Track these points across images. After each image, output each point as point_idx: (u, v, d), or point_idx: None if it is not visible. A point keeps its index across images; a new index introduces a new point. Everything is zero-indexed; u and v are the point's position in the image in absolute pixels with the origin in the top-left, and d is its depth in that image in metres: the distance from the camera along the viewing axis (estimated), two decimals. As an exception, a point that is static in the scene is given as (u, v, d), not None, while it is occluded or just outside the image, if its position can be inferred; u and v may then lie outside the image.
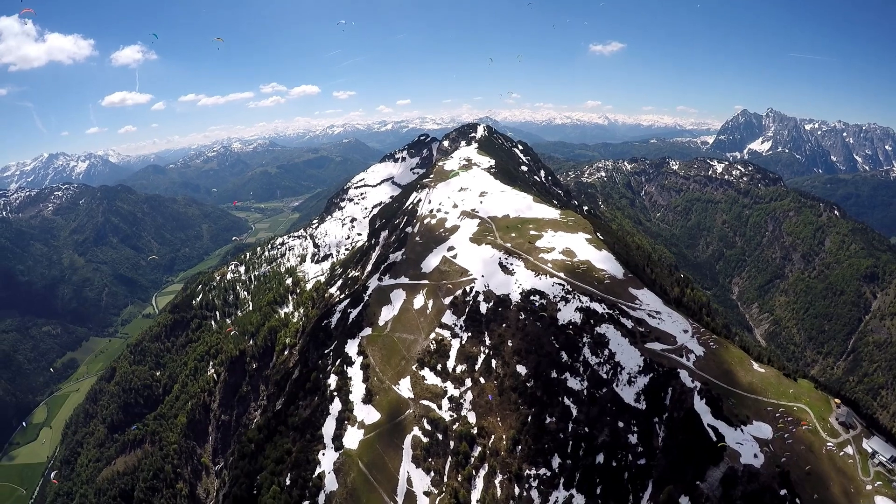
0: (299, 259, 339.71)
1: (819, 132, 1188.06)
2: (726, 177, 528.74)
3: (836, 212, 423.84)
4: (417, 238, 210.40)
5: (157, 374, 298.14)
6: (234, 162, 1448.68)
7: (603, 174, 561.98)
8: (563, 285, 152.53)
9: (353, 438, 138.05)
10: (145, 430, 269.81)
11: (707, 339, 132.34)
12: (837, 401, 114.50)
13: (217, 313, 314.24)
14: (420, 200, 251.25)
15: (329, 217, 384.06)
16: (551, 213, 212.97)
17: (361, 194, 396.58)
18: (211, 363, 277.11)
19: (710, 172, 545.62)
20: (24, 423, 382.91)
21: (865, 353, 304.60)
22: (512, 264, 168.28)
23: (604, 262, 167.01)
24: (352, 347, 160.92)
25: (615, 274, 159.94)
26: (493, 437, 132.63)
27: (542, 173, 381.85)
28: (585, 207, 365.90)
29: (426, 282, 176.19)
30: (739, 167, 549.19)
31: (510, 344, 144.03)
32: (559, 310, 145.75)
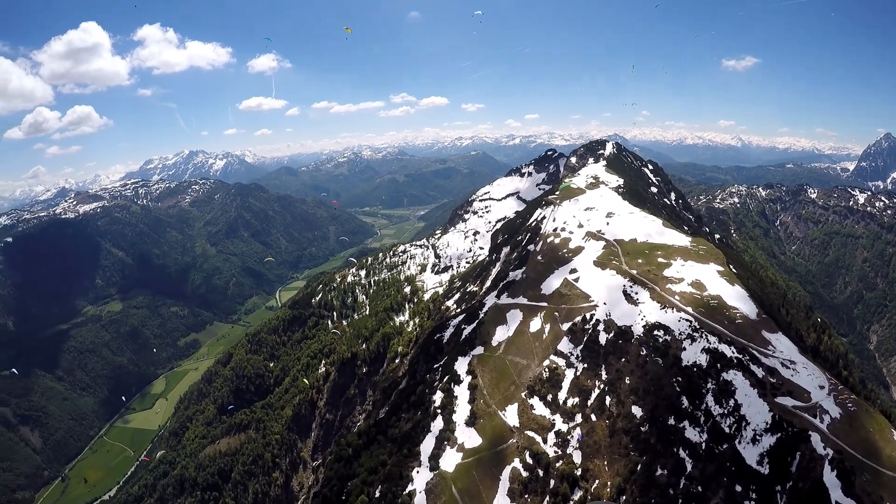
0: (419, 268, 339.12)
1: None
2: (869, 209, 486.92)
3: None
4: (539, 257, 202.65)
5: (271, 365, 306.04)
6: (364, 168, 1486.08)
7: (736, 200, 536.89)
8: (690, 322, 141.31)
9: (450, 461, 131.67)
10: (251, 416, 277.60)
11: (845, 400, 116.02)
12: None
13: (334, 314, 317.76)
14: (544, 218, 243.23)
15: (452, 228, 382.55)
16: (681, 239, 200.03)
17: (486, 207, 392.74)
18: (323, 361, 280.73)
19: (850, 203, 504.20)
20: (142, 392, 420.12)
21: None
22: (637, 293, 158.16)
23: (736, 298, 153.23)
24: (461, 365, 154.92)
25: (748, 313, 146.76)
26: (597, 481, 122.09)
27: (673, 196, 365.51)
28: (717, 235, 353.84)
29: (545, 304, 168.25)
30: (884, 199, 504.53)
31: (627, 381, 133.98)
32: (684, 349, 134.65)
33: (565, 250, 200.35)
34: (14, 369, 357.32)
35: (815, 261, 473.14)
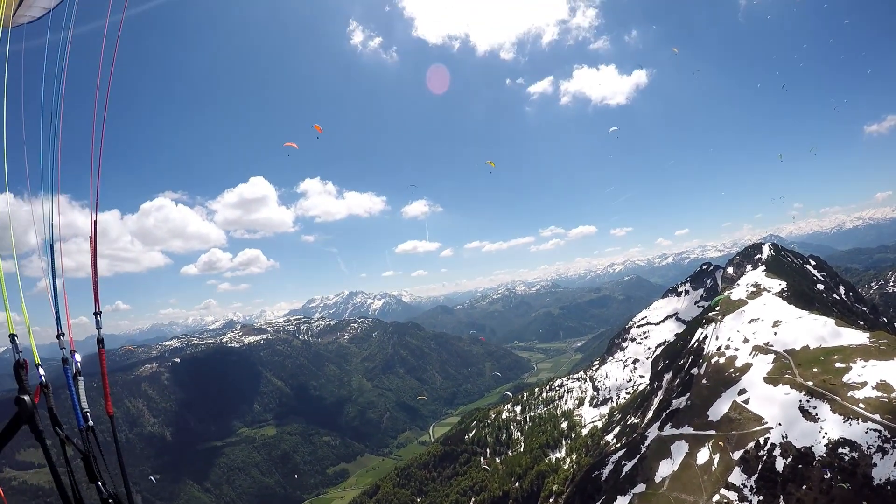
0: (577, 402, 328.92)
1: None
2: None
3: None
4: (704, 380, 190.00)
5: (418, 500, 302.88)
6: (518, 304, 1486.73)
7: None
8: (880, 431, 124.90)
9: None
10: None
11: None
12: None
13: (487, 450, 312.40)
14: (706, 337, 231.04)
15: (610, 358, 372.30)
16: (859, 337, 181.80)
17: (644, 333, 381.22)
18: (472, 499, 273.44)
19: None
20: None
21: None
22: (815, 408, 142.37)
23: None
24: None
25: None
26: None
27: (842, 289, 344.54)
28: None
29: (712, 432, 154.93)
30: None
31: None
32: (874, 464, 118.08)
33: (732, 369, 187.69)
34: (158, 475, 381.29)
35: None
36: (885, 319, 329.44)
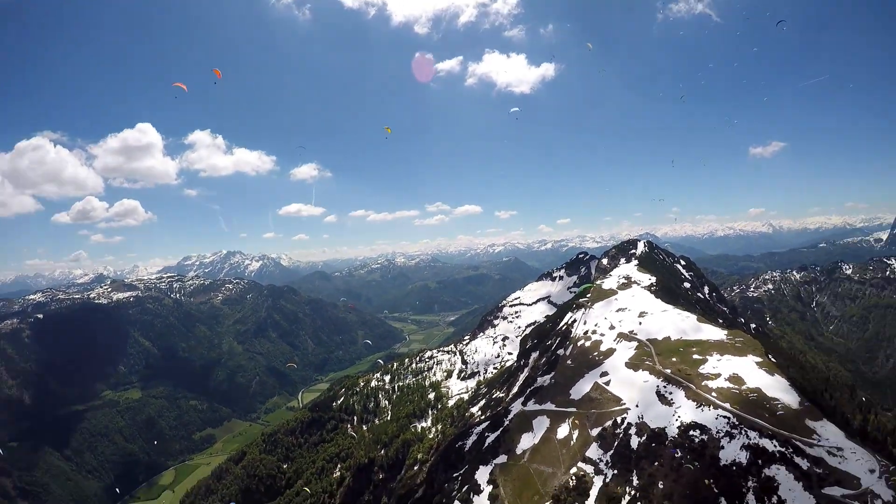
0: (445, 374, 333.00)
1: None
2: None
3: None
4: (569, 361, 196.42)
5: (284, 466, 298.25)
6: (397, 275, 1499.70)
7: (770, 287, 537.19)
8: (729, 418, 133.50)
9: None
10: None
11: None
12: None
13: (355, 418, 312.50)
14: (575, 321, 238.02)
15: (481, 334, 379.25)
16: (717, 333, 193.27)
17: (516, 313, 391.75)
18: (339, 466, 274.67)
19: (887, 273, 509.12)
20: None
21: None
22: (671, 393, 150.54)
23: (777, 389, 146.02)
24: (482, 474, 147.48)
25: (790, 403, 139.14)
26: None
27: (706, 290, 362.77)
28: (753, 325, 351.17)
29: (573, 409, 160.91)
30: None
31: (661, 486, 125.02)
32: (722, 447, 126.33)
33: (596, 353, 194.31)
34: (15, 443, 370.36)
35: (855, 337, 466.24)
36: (742, 320, 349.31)
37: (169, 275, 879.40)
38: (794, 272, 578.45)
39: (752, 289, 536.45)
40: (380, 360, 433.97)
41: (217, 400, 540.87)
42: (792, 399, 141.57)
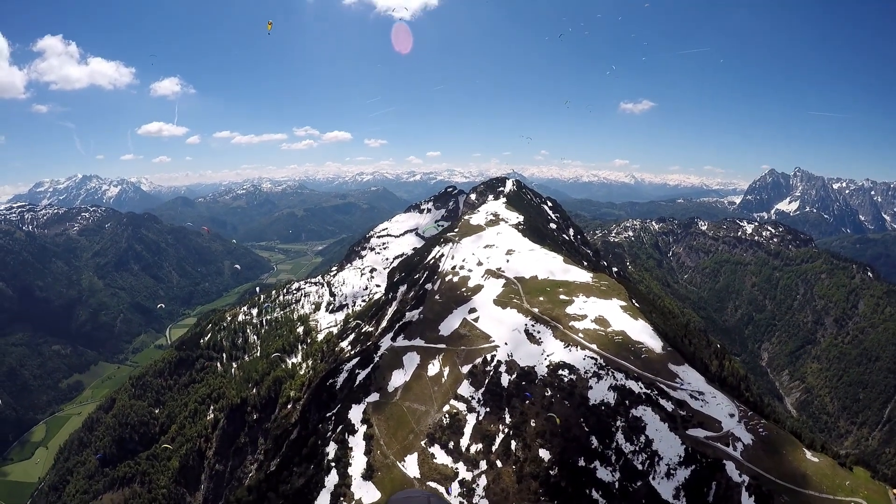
0: (314, 307, 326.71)
1: (847, 191, 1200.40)
2: (756, 238, 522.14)
3: (869, 273, 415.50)
4: (437, 296, 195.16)
5: (156, 411, 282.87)
6: (263, 201, 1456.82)
7: (630, 234, 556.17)
8: (596, 359, 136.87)
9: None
10: (136, 468, 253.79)
11: (756, 425, 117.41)
12: (895, 491, 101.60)
13: (224, 355, 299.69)
14: (443, 255, 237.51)
15: (349, 265, 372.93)
16: (583, 275, 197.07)
17: (383, 244, 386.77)
18: (211, 408, 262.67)
19: (739, 233, 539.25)
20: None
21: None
22: (539, 332, 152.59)
23: (641, 333, 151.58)
24: (356, 413, 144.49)
25: (653, 347, 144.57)
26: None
27: (572, 232, 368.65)
28: (615, 268, 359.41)
29: (443, 346, 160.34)
30: (770, 228, 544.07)
31: (533, 424, 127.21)
32: (590, 387, 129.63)
33: (464, 289, 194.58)
34: None
35: (707, 288, 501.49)
36: (604, 263, 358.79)
37: (20, 204, 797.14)
38: (654, 222, 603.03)
39: (613, 234, 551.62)
40: (256, 289, 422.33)
41: (81, 342, 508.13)
42: (656, 344, 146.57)
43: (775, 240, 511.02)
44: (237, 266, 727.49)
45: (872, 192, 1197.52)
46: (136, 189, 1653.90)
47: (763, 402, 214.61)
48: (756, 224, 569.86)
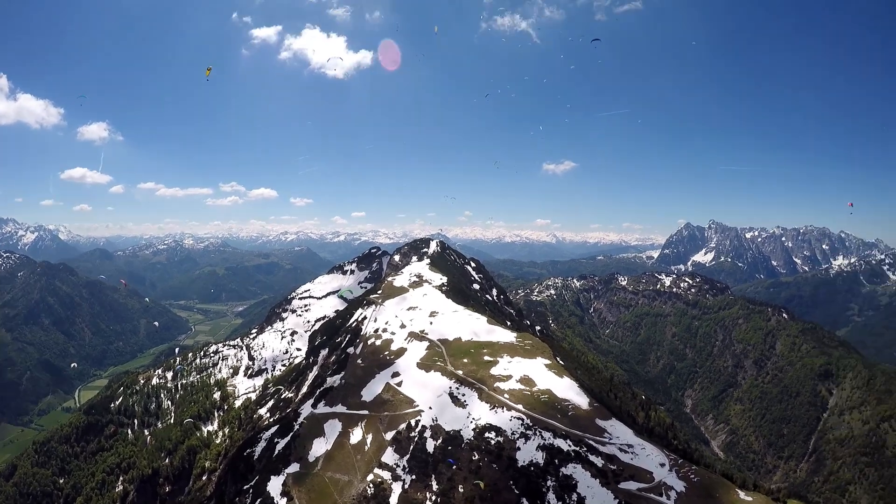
0: (232, 371, 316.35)
1: (759, 239, 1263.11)
2: (674, 289, 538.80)
3: (784, 314, 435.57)
4: (360, 360, 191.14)
5: (61, 481, 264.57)
6: (184, 258, 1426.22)
7: (552, 292, 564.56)
8: (523, 419, 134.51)
9: None
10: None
11: (687, 472, 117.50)
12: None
13: (136, 421, 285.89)
14: (365, 318, 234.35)
15: (269, 328, 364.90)
16: (507, 335, 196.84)
17: (305, 306, 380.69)
18: (121, 478, 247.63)
19: (658, 286, 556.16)
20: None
21: (828, 451, 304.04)
22: (464, 395, 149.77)
23: (567, 390, 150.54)
24: (275, 486, 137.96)
25: (580, 404, 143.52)
26: None
27: (495, 292, 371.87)
28: (538, 327, 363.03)
29: (366, 412, 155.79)
30: (687, 279, 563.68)
31: (461, 490, 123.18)
32: (519, 449, 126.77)
33: (387, 352, 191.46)
34: None
35: (629, 341, 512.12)
36: (528, 322, 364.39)
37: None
38: (575, 280, 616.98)
39: (535, 293, 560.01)
40: (177, 350, 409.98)
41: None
42: (582, 400, 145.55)
43: (693, 290, 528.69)
44: (156, 323, 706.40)
45: (783, 239, 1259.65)
46: (53, 237, 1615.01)
47: (691, 448, 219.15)
48: (674, 276, 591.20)
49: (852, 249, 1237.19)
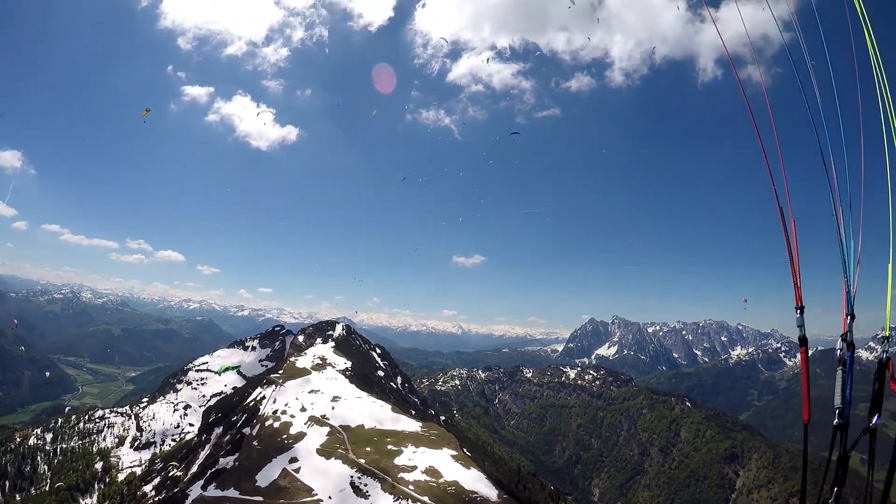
0: (118, 440, 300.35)
1: (661, 333, 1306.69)
2: (579, 382, 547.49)
3: (687, 403, 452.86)
4: (256, 442, 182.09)
5: None
6: (80, 312, 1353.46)
7: (457, 382, 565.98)
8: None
9: None
10: None
11: None
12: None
13: (7, 483, 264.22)
14: (264, 398, 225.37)
15: (162, 398, 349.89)
16: (412, 424, 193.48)
17: (202, 379, 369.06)
18: None
19: (563, 378, 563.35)
20: None
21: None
22: (367, 485, 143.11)
23: (475, 482, 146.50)
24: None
25: (489, 496, 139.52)
26: None
27: (399, 380, 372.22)
28: (443, 417, 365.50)
29: (260, 499, 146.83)
30: (592, 372, 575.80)
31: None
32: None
33: (286, 436, 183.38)
34: None
35: (534, 432, 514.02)
36: (433, 412, 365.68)
37: None
38: (480, 371, 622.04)
39: (440, 383, 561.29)
40: (64, 407, 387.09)
41: None
42: (491, 492, 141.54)
43: (597, 382, 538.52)
44: (48, 374, 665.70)
45: (684, 332, 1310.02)
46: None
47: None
48: (579, 369, 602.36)
49: (750, 339, 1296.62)
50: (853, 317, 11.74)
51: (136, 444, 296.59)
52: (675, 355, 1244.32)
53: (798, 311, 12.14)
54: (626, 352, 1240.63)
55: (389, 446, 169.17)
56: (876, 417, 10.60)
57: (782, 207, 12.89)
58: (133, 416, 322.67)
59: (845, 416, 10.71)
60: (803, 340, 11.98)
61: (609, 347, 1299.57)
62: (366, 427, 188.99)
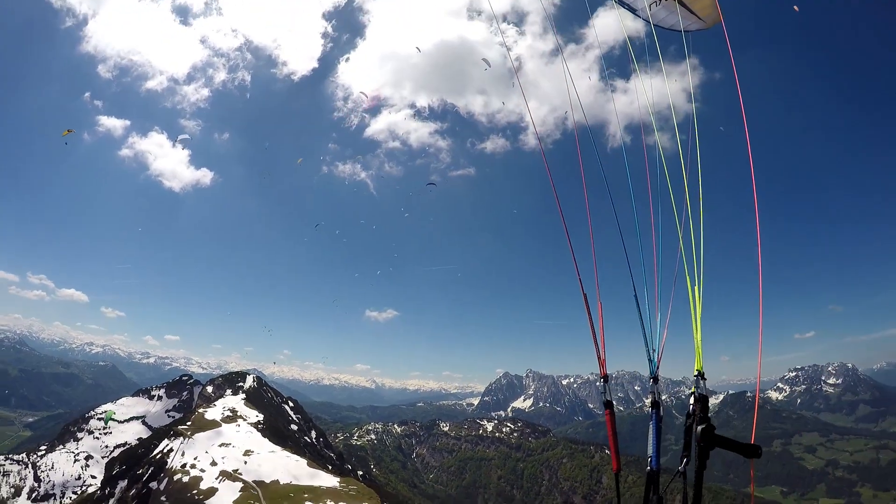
0: (13, 491, 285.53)
1: (575, 385, 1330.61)
2: (497, 434, 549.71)
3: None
4: (164, 497, 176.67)
5: None
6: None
7: (373, 437, 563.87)
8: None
9: None
10: None
11: None
12: None
13: None
14: (172, 450, 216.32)
15: (61, 447, 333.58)
16: (330, 480, 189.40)
17: (104, 429, 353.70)
18: None
19: (480, 432, 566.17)
20: None
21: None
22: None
23: None
24: None
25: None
26: None
27: (314, 434, 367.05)
28: (360, 472, 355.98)
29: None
30: (509, 424, 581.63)
31: None
32: None
33: (196, 491, 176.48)
34: None
35: (454, 485, 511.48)
36: (349, 467, 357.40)
37: None
38: (396, 425, 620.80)
39: (355, 437, 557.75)
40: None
41: None
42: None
43: (515, 434, 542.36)
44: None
45: (598, 383, 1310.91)
46: None
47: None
48: (496, 422, 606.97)
49: (662, 388, 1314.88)
50: (656, 380, 14.17)
51: (33, 495, 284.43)
52: (591, 405, 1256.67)
53: (603, 381, 14.08)
54: (541, 404, 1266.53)
55: (307, 502, 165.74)
56: (685, 461, 11.33)
57: (594, 293, 14.57)
58: (30, 465, 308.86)
59: (654, 465, 11.94)
60: (608, 405, 13.93)
61: (525, 400, 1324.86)
62: (281, 482, 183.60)
